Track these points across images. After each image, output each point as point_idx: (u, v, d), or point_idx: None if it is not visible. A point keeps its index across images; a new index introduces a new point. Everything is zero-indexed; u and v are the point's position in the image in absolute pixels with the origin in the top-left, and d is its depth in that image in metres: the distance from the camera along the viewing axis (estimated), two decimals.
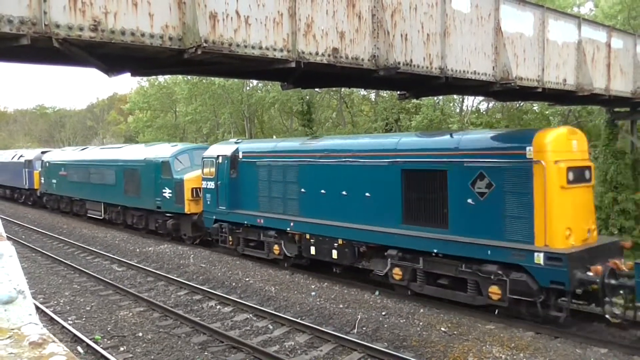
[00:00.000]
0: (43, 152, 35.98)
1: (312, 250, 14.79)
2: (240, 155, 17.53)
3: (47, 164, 32.46)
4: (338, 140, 16.15)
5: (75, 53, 5.91)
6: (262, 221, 16.25)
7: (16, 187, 39.13)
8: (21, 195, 38.77)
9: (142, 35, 5.85)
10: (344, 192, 14.05)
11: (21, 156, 37.75)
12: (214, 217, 18.25)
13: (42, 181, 33.34)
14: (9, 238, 2.34)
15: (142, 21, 5.84)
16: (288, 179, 15.74)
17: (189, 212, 19.97)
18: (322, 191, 14.65)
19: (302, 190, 15.28)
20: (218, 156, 17.98)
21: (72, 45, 5.64)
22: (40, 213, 33.23)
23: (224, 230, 17.96)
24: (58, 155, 33.17)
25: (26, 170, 35.85)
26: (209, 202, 18.41)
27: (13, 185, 39.53)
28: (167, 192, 20.60)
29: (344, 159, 14.15)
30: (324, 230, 14.43)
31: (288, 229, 15.36)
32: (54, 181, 31.39)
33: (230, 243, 17.82)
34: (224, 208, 17.67)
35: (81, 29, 5.44)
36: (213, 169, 18.05)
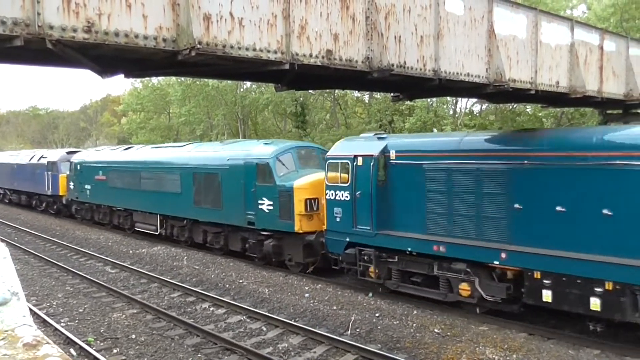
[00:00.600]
0: (69, 153, 31.36)
1: (547, 295, 10.18)
2: (393, 154, 12.86)
3: (78, 166, 27.38)
4: (582, 132, 11.28)
5: (69, 54, 5.90)
6: (442, 249, 11.67)
7: (35, 193, 33.64)
8: (41, 202, 33.46)
9: (136, 36, 5.84)
10: (606, 212, 9.59)
11: (42, 157, 32.67)
12: (347, 240, 13.52)
13: (71, 187, 28.23)
14: (1, 240, 2.34)
15: (135, 22, 5.83)
16: (487, 190, 11.20)
17: (300, 231, 14.91)
18: (559, 208, 10.15)
19: (517, 206, 10.75)
20: (356, 157, 13.29)
21: (66, 46, 5.62)
22: (33, 215, 33.04)
23: (365, 257, 13.22)
24: (93, 155, 27.50)
25: (49, 173, 30.76)
26: (338, 219, 13.65)
27: (32, 190, 33.97)
28: (265, 204, 15.71)
29: (606, 162, 9.67)
30: (573, 268, 9.86)
31: (496, 262, 10.85)
32: (88, 187, 26.30)
33: (375, 275, 13.14)
34: (366, 228, 13.00)
35: (75, 30, 5.43)
36: (346, 174, 13.48)
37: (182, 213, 19.75)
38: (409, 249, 12.36)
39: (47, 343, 1.61)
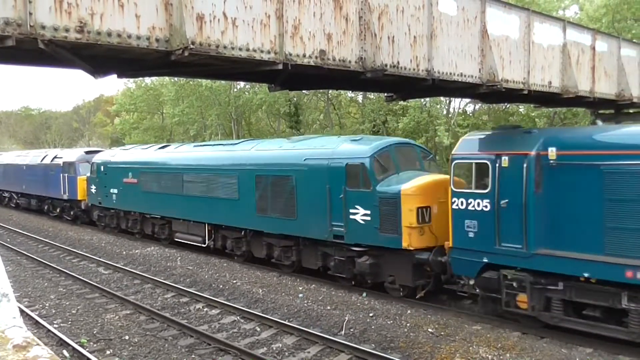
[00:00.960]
0: (89, 152, 28.37)
1: None
2: (552, 153, 10.15)
3: (102, 167, 24.36)
4: None
5: (61, 54, 5.88)
6: None
7: (48, 197, 30.48)
8: (55, 207, 30.23)
9: (129, 36, 5.83)
10: None
11: (56, 157, 29.73)
12: (485, 260, 10.83)
13: (93, 190, 25.13)
14: None
15: (128, 22, 5.82)
16: None
17: (409, 248, 12.09)
18: None
19: None
20: (499, 156, 10.58)
21: (58, 46, 5.61)
22: (25, 215, 32.85)
23: (514, 284, 10.47)
24: (121, 155, 24.16)
25: (65, 175, 27.76)
26: (472, 235, 11.01)
27: (44, 194, 30.79)
28: (359, 214, 12.92)
29: None
30: None
31: None
32: (114, 191, 23.26)
33: (529, 306, 10.34)
34: (517, 246, 10.29)
35: (67, 30, 5.42)
36: (484, 179, 10.86)
37: (240, 223, 16.70)
38: (585, 275, 9.56)
39: (37, 344, 1.60)
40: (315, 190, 13.98)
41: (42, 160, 31.01)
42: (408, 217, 11.98)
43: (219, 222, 17.62)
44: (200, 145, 21.06)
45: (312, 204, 14.11)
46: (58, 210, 29.96)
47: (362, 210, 12.91)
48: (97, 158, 25.54)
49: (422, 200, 12.11)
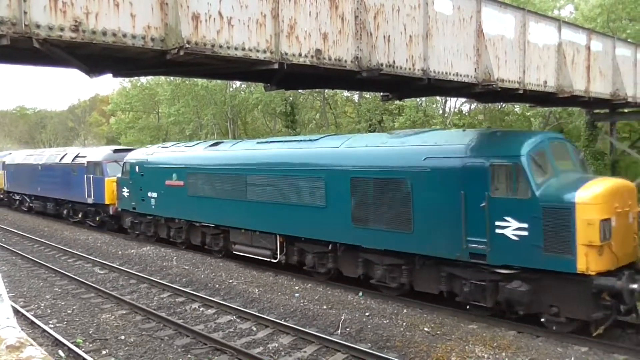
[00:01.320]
0: (117, 151, 25.40)
1: None
2: None
3: (137, 168, 21.21)
4: None
5: (56, 54, 5.87)
6: None
7: (69, 201, 27.38)
8: (76, 212, 27.01)
9: (124, 35, 5.82)
10: None
11: (78, 156, 26.68)
12: None
13: (125, 194, 21.98)
14: None
15: (123, 22, 5.81)
16: None
17: (588, 272, 9.45)
18: None
19: None
20: None
21: (53, 45, 5.60)
22: (21, 215, 32.74)
23: None
24: (161, 154, 20.71)
25: (91, 177, 24.71)
26: None
27: (64, 197, 27.67)
28: (511, 228, 10.25)
29: None
30: None
31: None
32: (153, 195, 20.15)
33: None
34: None
35: (62, 30, 5.40)
36: None
37: (328, 235, 13.80)
38: None
39: (31, 345, 1.60)
40: (441, 196, 11.31)
41: (61, 160, 27.91)
42: (587, 232, 9.40)
43: (297, 233, 14.67)
44: (265, 142, 17.26)
45: (436, 214, 11.45)
46: (80, 216, 26.76)
47: (514, 223, 10.25)
48: (131, 157, 22.15)
49: (604, 211, 9.60)
